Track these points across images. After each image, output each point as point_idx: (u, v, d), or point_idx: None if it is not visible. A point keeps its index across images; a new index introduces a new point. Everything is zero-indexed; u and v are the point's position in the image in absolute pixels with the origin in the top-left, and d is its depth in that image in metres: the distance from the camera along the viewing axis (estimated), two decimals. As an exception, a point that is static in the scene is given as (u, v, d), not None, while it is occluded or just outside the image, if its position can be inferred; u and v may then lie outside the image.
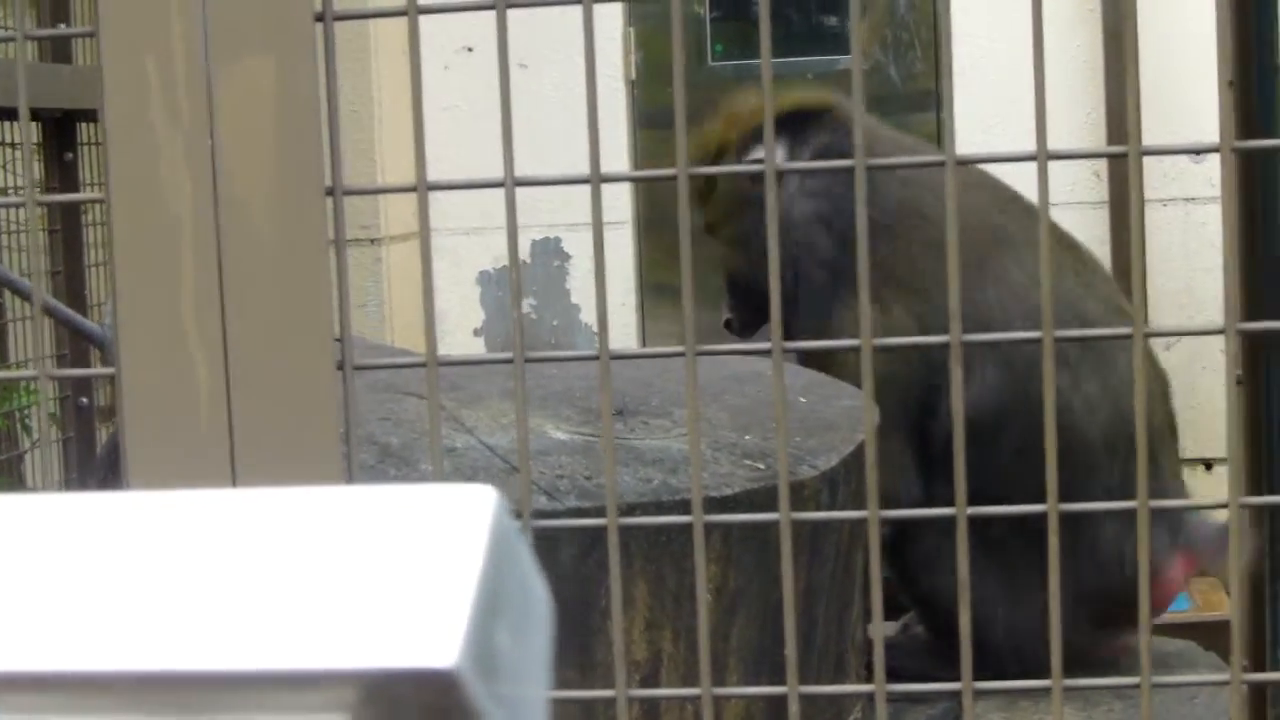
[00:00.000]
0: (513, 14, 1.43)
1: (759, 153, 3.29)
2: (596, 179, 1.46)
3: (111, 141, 1.47)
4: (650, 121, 5.80)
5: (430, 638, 0.42)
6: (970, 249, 3.14)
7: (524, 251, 5.75)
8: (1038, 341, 1.40)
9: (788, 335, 3.26)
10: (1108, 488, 3.16)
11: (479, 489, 0.44)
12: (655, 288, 5.83)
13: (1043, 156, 1.41)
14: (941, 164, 1.39)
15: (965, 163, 1.42)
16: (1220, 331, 1.45)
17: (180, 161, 1.46)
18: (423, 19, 1.45)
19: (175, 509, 0.46)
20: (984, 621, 2.97)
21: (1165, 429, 3.43)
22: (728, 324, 3.49)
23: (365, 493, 0.45)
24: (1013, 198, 3.40)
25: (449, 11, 1.51)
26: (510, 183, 1.46)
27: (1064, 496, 1.44)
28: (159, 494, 0.46)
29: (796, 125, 3.31)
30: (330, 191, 1.46)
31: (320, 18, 1.46)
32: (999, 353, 3.12)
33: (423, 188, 1.47)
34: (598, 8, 1.45)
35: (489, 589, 0.43)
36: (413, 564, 0.43)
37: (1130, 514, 3.27)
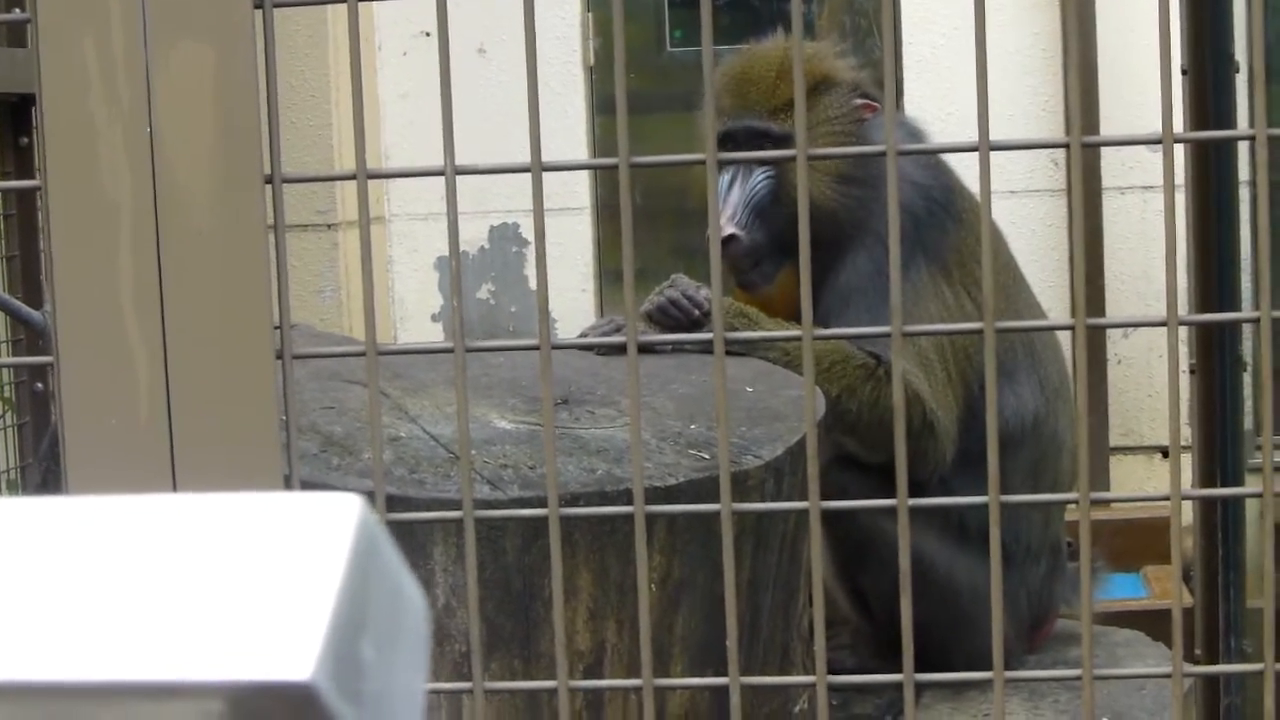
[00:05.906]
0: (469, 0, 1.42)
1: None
2: (538, 167, 1.45)
3: (49, 128, 1.45)
4: (610, 107, 5.77)
5: (288, 650, 0.41)
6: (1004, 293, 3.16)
7: (482, 237, 5.72)
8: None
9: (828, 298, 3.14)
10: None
11: (343, 497, 0.43)
12: (614, 273, 5.79)
13: (984, 147, 1.41)
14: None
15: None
16: (1163, 323, 1.45)
17: (119, 148, 1.45)
18: (379, 5, 1.44)
19: (46, 516, 0.45)
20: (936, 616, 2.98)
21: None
22: (732, 237, 3.26)
23: (229, 502, 0.44)
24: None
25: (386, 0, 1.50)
26: (451, 171, 1.45)
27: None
28: (22, 501, 0.45)
29: None
30: (270, 179, 1.46)
31: (259, 4, 1.45)
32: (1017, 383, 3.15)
33: (362, 176, 1.46)
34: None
35: (352, 600, 0.43)
36: (274, 576, 0.43)
37: (1053, 564, 3.30)
